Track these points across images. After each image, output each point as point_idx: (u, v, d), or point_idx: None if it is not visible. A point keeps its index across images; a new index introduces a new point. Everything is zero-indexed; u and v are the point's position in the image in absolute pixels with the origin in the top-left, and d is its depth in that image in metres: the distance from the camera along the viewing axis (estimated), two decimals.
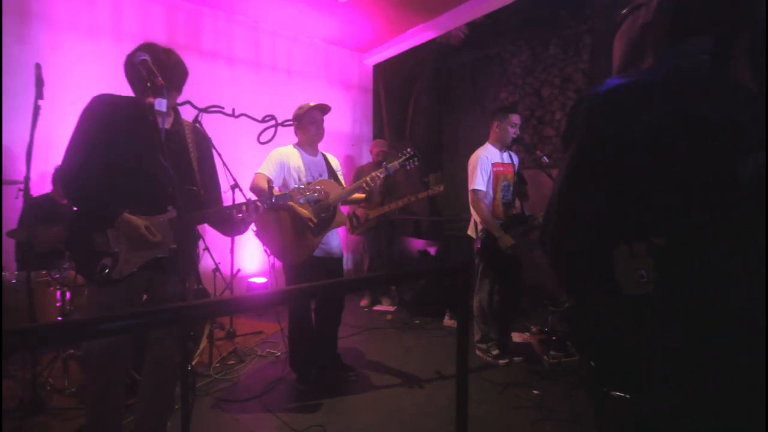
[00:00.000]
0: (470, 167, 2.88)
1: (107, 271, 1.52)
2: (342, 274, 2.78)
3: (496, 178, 2.85)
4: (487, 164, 2.83)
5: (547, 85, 5.25)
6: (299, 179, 2.48)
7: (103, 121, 1.54)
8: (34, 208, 2.71)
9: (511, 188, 2.89)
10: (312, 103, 2.59)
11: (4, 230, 2.67)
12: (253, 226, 2.49)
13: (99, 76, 3.15)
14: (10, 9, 3.23)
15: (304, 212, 2.40)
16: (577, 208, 0.86)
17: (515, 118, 2.83)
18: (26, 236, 2.38)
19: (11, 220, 2.84)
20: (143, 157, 1.56)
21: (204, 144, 1.82)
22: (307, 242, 2.46)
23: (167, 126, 1.44)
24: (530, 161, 2.96)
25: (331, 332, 2.72)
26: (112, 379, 1.59)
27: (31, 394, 2.11)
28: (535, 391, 2.47)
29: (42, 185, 3.16)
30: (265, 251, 2.55)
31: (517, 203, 2.92)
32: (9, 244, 2.78)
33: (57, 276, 2.52)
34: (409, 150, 2.60)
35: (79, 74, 3.36)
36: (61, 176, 1.56)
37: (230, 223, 1.75)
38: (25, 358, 2.34)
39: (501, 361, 2.85)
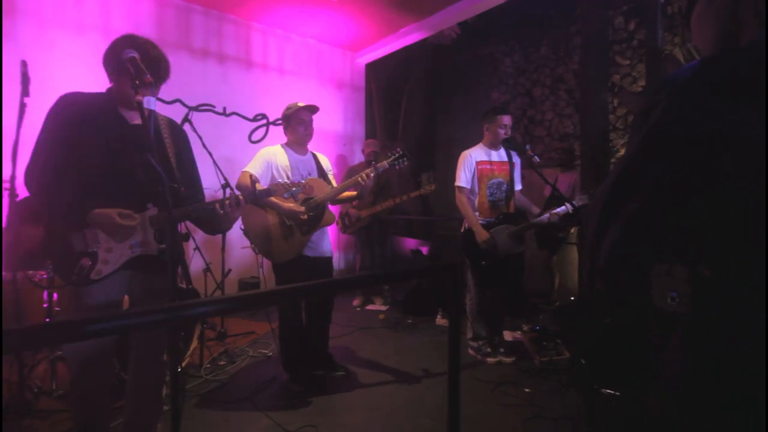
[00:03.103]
0: (457, 165, 2.93)
1: (85, 272, 1.49)
2: (331, 274, 2.77)
3: (481, 175, 2.87)
4: (470, 162, 2.88)
5: (539, 85, 5.29)
6: (287, 178, 2.47)
7: (71, 121, 1.50)
8: (20, 208, 2.67)
9: (505, 186, 2.91)
10: (300, 104, 2.59)
11: None
12: (241, 225, 2.49)
13: (86, 73, 3.11)
14: None
15: (291, 205, 2.39)
16: (631, 194, 0.74)
17: (505, 119, 2.84)
18: (11, 237, 2.34)
19: None
20: (118, 154, 1.52)
21: (181, 137, 1.76)
22: (295, 241, 2.46)
23: (139, 121, 1.39)
24: (523, 161, 2.97)
25: (321, 330, 2.72)
26: (98, 381, 1.56)
27: (18, 396, 2.07)
28: (527, 390, 2.48)
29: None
30: (253, 250, 2.54)
31: (512, 204, 2.93)
32: None
33: (44, 276, 2.48)
34: (398, 150, 2.61)
35: (66, 71, 3.31)
36: (25, 179, 1.52)
37: (213, 221, 1.72)
38: (11, 360, 2.30)
39: (490, 359, 2.87)
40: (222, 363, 2.87)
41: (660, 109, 0.72)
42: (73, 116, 1.51)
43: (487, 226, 2.81)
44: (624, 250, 0.75)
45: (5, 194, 2.39)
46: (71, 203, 1.49)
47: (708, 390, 0.72)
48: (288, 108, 2.61)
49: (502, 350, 2.92)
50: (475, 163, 2.88)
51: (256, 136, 4.57)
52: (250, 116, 4.53)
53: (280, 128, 2.74)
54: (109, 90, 1.62)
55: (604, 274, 0.78)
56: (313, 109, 2.60)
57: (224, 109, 4.33)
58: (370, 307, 4.41)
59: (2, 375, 2.12)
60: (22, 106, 2.04)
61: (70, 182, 1.49)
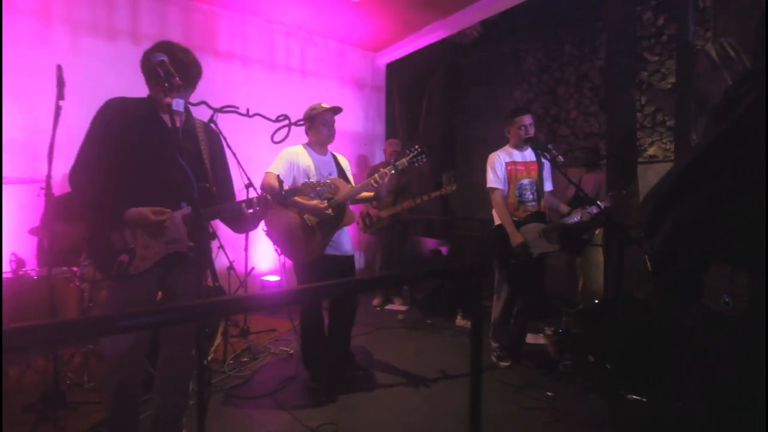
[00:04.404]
0: (486, 168, 2.90)
1: (124, 267, 1.56)
2: (354, 272, 2.79)
3: (509, 176, 2.84)
4: (500, 162, 2.85)
5: (563, 83, 5.18)
6: (308, 178, 2.49)
7: (115, 124, 1.58)
8: (57, 206, 2.78)
9: (534, 186, 2.86)
10: (325, 105, 2.61)
11: (27, 228, 2.75)
12: (263, 226, 2.51)
13: (118, 77, 3.22)
14: (30, 12, 3.32)
15: (315, 202, 2.41)
16: (697, 187, 0.69)
17: (525, 119, 2.80)
18: (47, 234, 2.44)
19: (34, 218, 2.92)
20: (157, 156, 1.60)
21: (215, 142, 1.84)
22: (316, 241, 2.48)
23: (179, 124, 1.47)
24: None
25: (344, 331, 2.73)
26: (130, 375, 1.62)
27: (53, 387, 2.16)
28: (549, 393, 2.44)
29: (64, 184, 3.23)
30: (276, 251, 2.58)
31: (542, 203, 2.88)
32: (31, 241, 2.85)
33: (77, 272, 2.58)
34: (417, 146, 2.55)
35: (99, 75, 3.44)
36: (69, 178, 1.60)
37: (241, 220, 1.77)
38: (46, 352, 2.40)
39: (503, 363, 2.84)
40: (245, 359, 2.92)
41: (750, 101, 0.68)
42: (117, 119, 1.59)
43: (516, 224, 2.77)
44: (675, 247, 0.71)
45: (34, 192, 2.50)
46: (112, 202, 1.56)
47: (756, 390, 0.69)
48: (312, 109, 2.62)
49: (522, 359, 2.89)
50: (504, 163, 2.85)
51: (278, 137, 4.64)
52: (273, 117, 4.60)
53: (302, 129, 2.77)
54: (149, 95, 1.70)
55: (653, 267, 0.75)
56: (337, 111, 2.62)
57: (248, 110, 4.40)
58: (389, 307, 4.41)
59: (2, 374, 2.20)
60: (58, 109, 2.12)
61: (111, 182, 1.56)
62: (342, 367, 2.70)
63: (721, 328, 0.74)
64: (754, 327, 0.70)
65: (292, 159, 2.55)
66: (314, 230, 2.48)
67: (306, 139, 2.70)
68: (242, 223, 1.82)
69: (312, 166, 2.56)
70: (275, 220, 2.52)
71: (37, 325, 0.70)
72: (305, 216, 2.48)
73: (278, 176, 2.37)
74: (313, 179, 2.46)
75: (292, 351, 3.08)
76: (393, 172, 2.48)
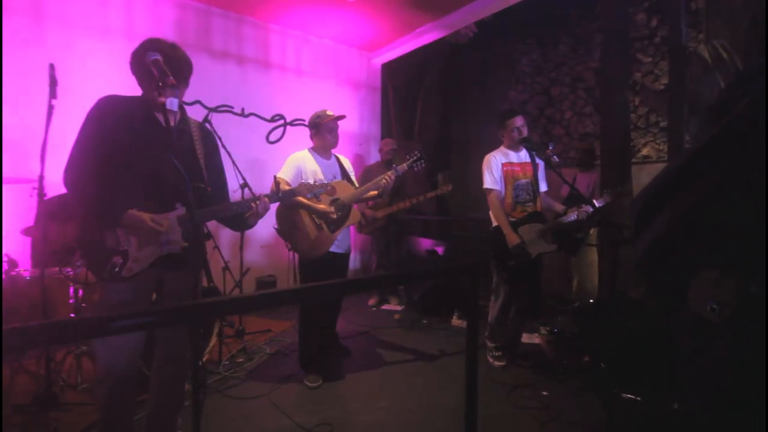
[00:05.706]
0: (482, 169, 2.91)
1: (117, 269, 1.54)
2: (347, 270, 2.91)
3: (506, 176, 2.85)
4: (496, 163, 2.85)
5: (557, 84, 5.21)
6: (316, 182, 2.58)
7: (108, 122, 1.55)
8: (50, 206, 2.76)
9: (530, 187, 2.87)
10: (330, 113, 2.76)
11: (20, 228, 2.72)
12: (275, 225, 2.68)
13: (111, 75, 3.19)
14: (24, 10, 3.28)
15: (322, 206, 2.54)
16: (689, 187, 0.68)
17: (517, 121, 2.81)
18: (40, 234, 2.42)
19: (27, 218, 2.89)
20: (151, 155, 1.57)
21: (210, 141, 1.83)
22: (324, 239, 2.60)
23: (172, 123, 1.45)
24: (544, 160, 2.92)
25: (329, 320, 2.90)
26: (123, 376, 1.60)
27: (45, 389, 2.14)
28: (544, 393, 2.45)
29: (58, 184, 3.21)
30: (287, 247, 2.65)
31: (538, 204, 2.89)
32: (25, 242, 2.83)
33: (70, 273, 2.55)
34: (416, 152, 2.76)
35: (92, 74, 3.41)
36: (64, 177, 1.58)
37: (238, 220, 1.77)
38: (39, 354, 2.38)
39: (498, 363, 2.85)
40: (240, 360, 2.91)
41: (745, 103, 0.66)
42: (110, 117, 1.56)
43: (514, 225, 2.78)
44: (666, 247, 0.71)
45: (27, 192, 2.47)
46: (106, 202, 1.54)
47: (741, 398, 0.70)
48: (318, 116, 2.75)
49: (518, 359, 2.91)
50: (500, 164, 2.85)
51: (273, 137, 4.62)
52: (268, 117, 4.58)
53: (297, 128, 2.81)
54: (143, 94, 1.67)
55: (640, 266, 0.74)
56: (341, 118, 2.78)
57: (243, 110, 4.38)
58: (385, 307, 4.41)
59: (2, 374, 2.18)
60: (50, 108, 2.11)
61: (105, 181, 1.54)
62: (327, 345, 2.82)
63: (710, 334, 0.74)
64: (743, 335, 0.70)
65: (300, 164, 2.67)
66: (322, 228, 2.59)
67: (311, 143, 2.82)
68: (240, 223, 1.82)
69: (318, 170, 2.68)
70: (288, 220, 2.63)
71: (33, 326, 0.70)
72: (314, 215, 2.60)
73: (275, 177, 2.45)
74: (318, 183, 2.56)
75: (287, 351, 3.07)
76: (393, 176, 2.65)
